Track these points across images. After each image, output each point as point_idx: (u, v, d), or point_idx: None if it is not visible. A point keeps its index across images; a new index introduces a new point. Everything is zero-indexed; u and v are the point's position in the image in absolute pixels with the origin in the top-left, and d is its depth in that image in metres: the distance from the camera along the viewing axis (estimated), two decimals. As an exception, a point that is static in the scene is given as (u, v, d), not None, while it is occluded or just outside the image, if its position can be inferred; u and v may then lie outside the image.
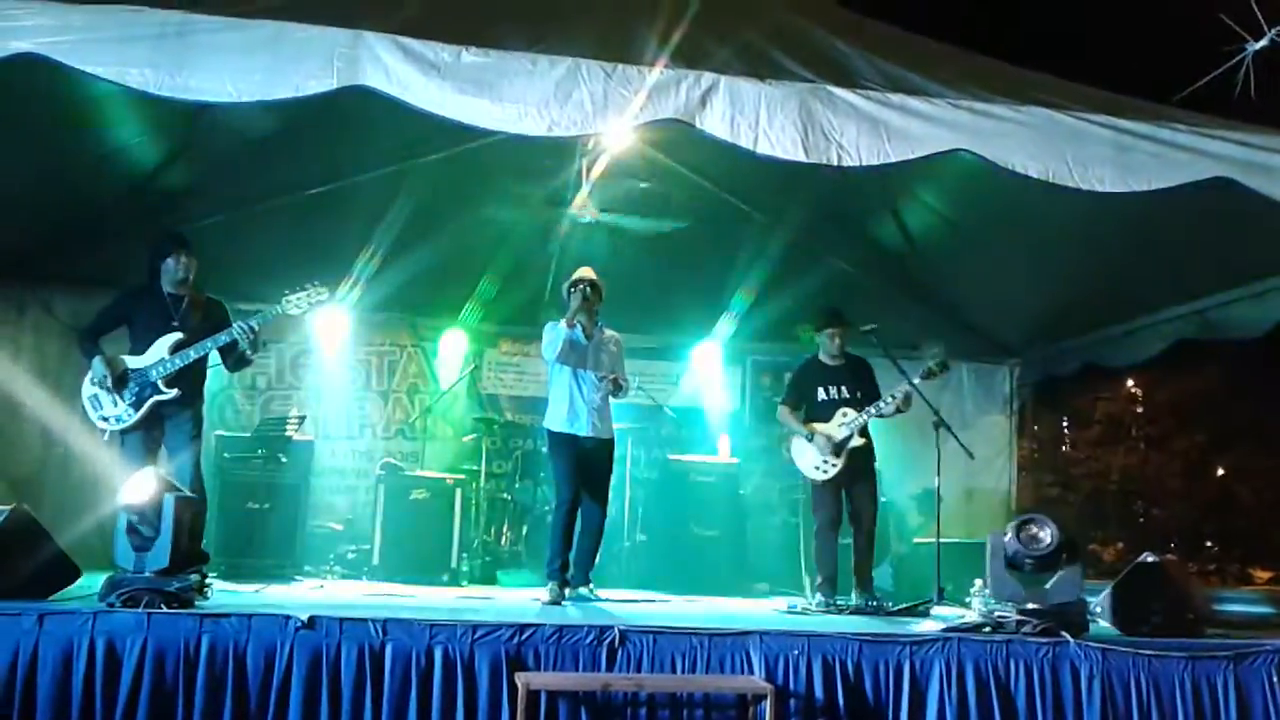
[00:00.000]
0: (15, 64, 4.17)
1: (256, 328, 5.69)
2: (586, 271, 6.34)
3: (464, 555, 7.51)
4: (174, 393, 5.68)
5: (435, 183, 7.07)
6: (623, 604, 6.18)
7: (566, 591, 6.04)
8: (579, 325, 6.23)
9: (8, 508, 4.75)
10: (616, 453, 8.21)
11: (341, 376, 8.71)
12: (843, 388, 6.64)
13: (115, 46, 4.23)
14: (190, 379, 5.80)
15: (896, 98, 4.61)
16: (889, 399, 6.49)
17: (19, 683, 3.97)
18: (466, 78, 4.36)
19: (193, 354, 5.69)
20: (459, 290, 8.41)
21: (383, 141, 6.62)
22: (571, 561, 6.24)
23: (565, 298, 6.32)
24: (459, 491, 7.61)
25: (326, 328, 8.50)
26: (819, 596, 6.38)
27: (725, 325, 8.66)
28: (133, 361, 5.74)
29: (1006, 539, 5.01)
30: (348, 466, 8.43)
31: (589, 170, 6.76)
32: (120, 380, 5.68)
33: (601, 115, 4.44)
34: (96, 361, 5.69)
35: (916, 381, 6.49)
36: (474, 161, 6.78)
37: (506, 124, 4.45)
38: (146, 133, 6.03)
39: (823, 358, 6.78)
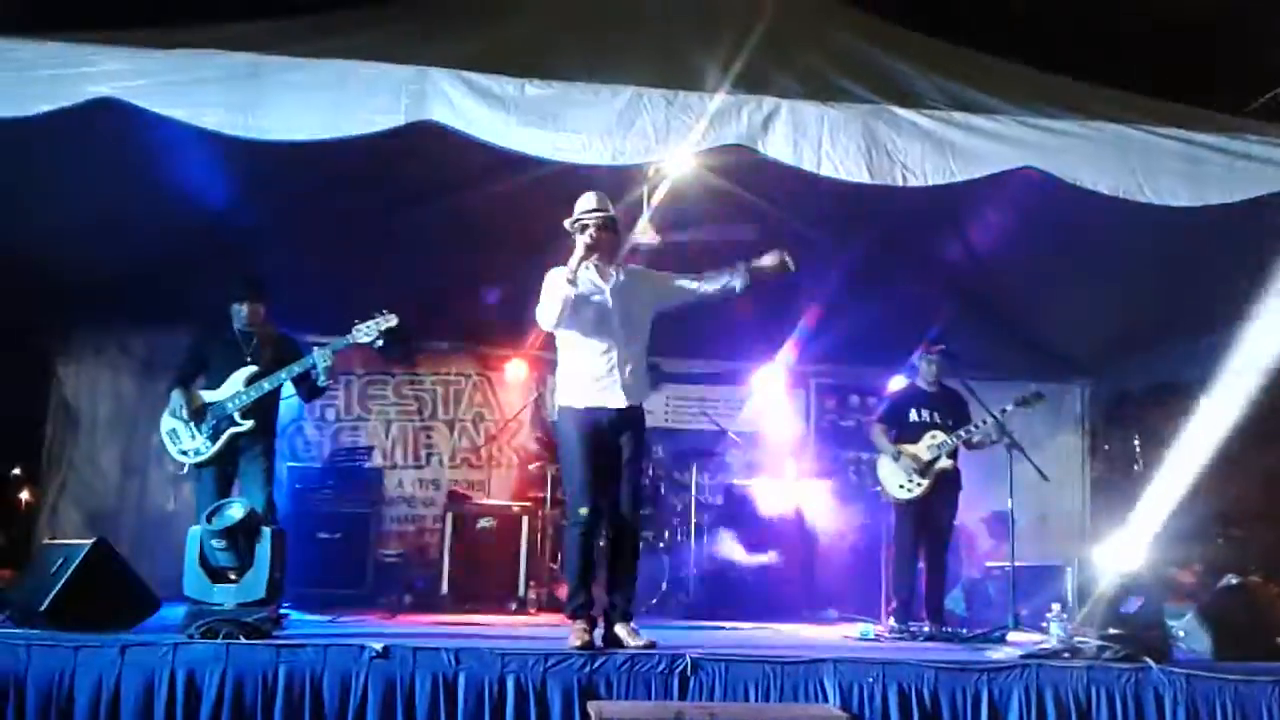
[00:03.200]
0: (93, 107, 4.31)
1: (329, 357, 5.80)
2: (590, 200, 4.92)
3: (531, 583, 7.53)
4: (249, 424, 5.82)
5: (499, 213, 7.13)
6: (692, 631, 6.12)
7: (598, 634, 4.77)
8: (589, 278, 4.92)
9: (89, 541, 4.86)
10: (681, 477, 8.27)
11: (408, 406, 8.80)
12: (935, 413, 6.67)
13: (188, 89, 4.37)
14: (264, 412, 5.93)
15: (961, 116, 4.59)
16: (976, 425, 6.51)
17: (103, 713, 4.06)
18: (530, 110, 4.43)
19: (267, 385, 5.82)
20: (522, 319, 8.45)
21: (448, 174, 6.70)
22: (606, 589, 5.00)
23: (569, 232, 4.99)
24: (525, 519, 7.65)
25: (394, 359, 8.60)
26: (893, 622, 6.30)
27: (788, 349, 8.60)
28: (209, 396, 5.89)
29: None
30: (415, 495, 8.51)
31: (650, 196, 6.78)
32: (197, 414, 5.82)
33: (664, 142, 4.48)
34: (175, 394, 5.86)
35: (1009, 409, 6.53)
36: (538, 192, 6.83)
37: (570, 154, 4.51)
38: (218, 171, 6.17)
39: (919, 382, 6.84)
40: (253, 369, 5.88)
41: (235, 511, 5.03)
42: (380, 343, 5.80)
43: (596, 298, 4.96)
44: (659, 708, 4.23)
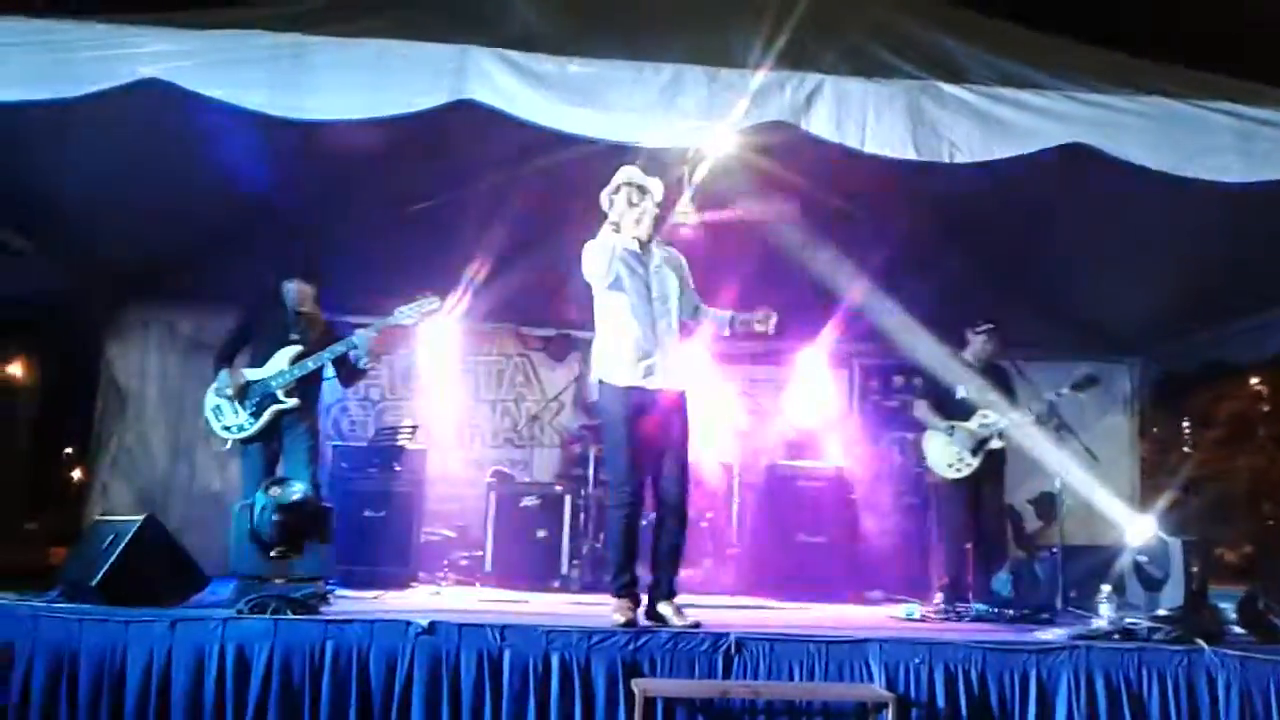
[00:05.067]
0: (138, 89, 4.34)
1: (370, 339, 5.86)
2: (631, 171, 4.96)
3: (574, 562, 7.56)
4: (293, 402, 5.91)
5: (539, 193, 7.12)
6: (736, 610, 6.12)
7: (641, 612, 4.82)
8: (631, 251, 4.92)
9: (139, 518, 4.94)
10: (721, 455, 8.24)
11: (451, 386, 8.84)
12: (983, 391, 6.59)
13: (232, 69, 4.40)
14: (307, 391, 6.01)
15: (1008, 92, 4.51)
16: (1030, 408, 6.45)
17: (154, 686, 4.14)
18: (572, 88, 4.41)
19: (310, 364, 5.93)
20: (562, 298, 8.46)
21: (489, 153, 6.70)
22: (650, 567, 5.02)
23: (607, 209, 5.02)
24: (568, 498, 7.68)
25: (436, 339, 8.65)
26: (939, 602, 6.25)
27: (831, 328, 8.53)
28: (253, 373, 5.98)
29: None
30: (459, 475, 8.54)
31: (690, 175, 6.74)
32: (242, 391, 5.91)
33: (706, 120, 4.45)
34: (222, 373, 5.95)
35: (1065, 392, 6.47)
36: (577, 171, 6.82)
37: (613, 133, 4.49)
38: (262, 151, 6.21)
39: (967, 356, 6.75)
40: (297, 348, 5.97)
41: (296, 490, 5.09)
42: (421, 324, 5.89)
43: (639, 270, 4.97)
44: (704, 686, 4.24)
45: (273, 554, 4.93)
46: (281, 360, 5.98)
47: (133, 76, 4.32)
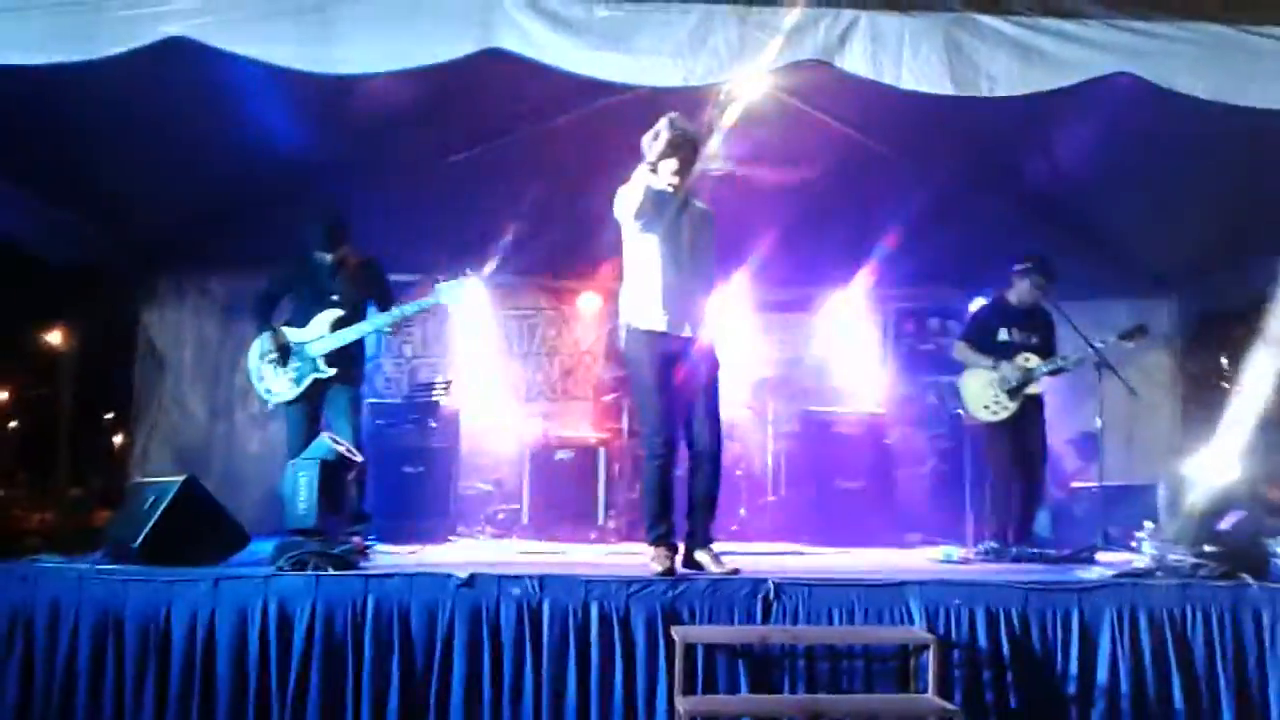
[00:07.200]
0: (165, 47, 4.28)
1: (410, 313, 5.96)
2: (675, 117, 4.80)
3: (610, 513, 7.58)
4: (333, 371, 5.93)
5: (570, 145, 7.06)
6: (773, 556, 6.11)
7: (678, 560, 4.79)
8: (665, 194, 4.82)
9: (179, 479, 4.97)
10: (757, 405, 8.20)
11: (484, 342, 8.83)
12: (1026, 334, 6.51)
13: (258, 25, 4.32)
14: (348, 356, 6.01)
15: (1049, 21, 4.35)
16: (1074, 356, 6.37)
17: (199, 644, 4.19)
18: (600, 33, 4.32)
19: (351, 334, 5.91)
20: (592, 252, 8.41)
21: (518, 105, 6.64)
22: (686, 516, 4.99)
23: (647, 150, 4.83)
24: (602, 451, 7.70)
25: (469, 294, 8.62)
26: (987, 543, 6.20)
27: (866, 273, 8.44)
28: (294, 335, 6.00)
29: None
30: (494, 429, 8.56)
31: (720, 119, 6.65)
32: (284, 352, 5.93)
33: (738, 60, 4.34)
34: (265, 336, 5.98)
35: (1112, 340, 6.36)
36: (607, 121, 6.75)
37: (642, 77, 4.41)
38: (291, 109, 6.19)
39: (1011, 298, 6.63)
40: (339, 313, 5.97)
41: (324, 448, 5.12)
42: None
43: (672, 215, 4.91)
44: (743, 632, 4.25)
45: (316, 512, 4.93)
46: (323, 324, 5.99)
47: (157, 36, 4.27)
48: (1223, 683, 4.29)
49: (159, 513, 4.72)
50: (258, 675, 4.18)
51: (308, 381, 5.94)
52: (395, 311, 5.96)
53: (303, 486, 4.88)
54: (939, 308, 8.94)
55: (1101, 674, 4.27)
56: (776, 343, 8.97)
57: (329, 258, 6.04)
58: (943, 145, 7.04)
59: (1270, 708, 4.28)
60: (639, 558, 5.00)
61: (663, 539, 4.81)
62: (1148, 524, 4.97)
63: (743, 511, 7.81)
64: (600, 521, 7.53)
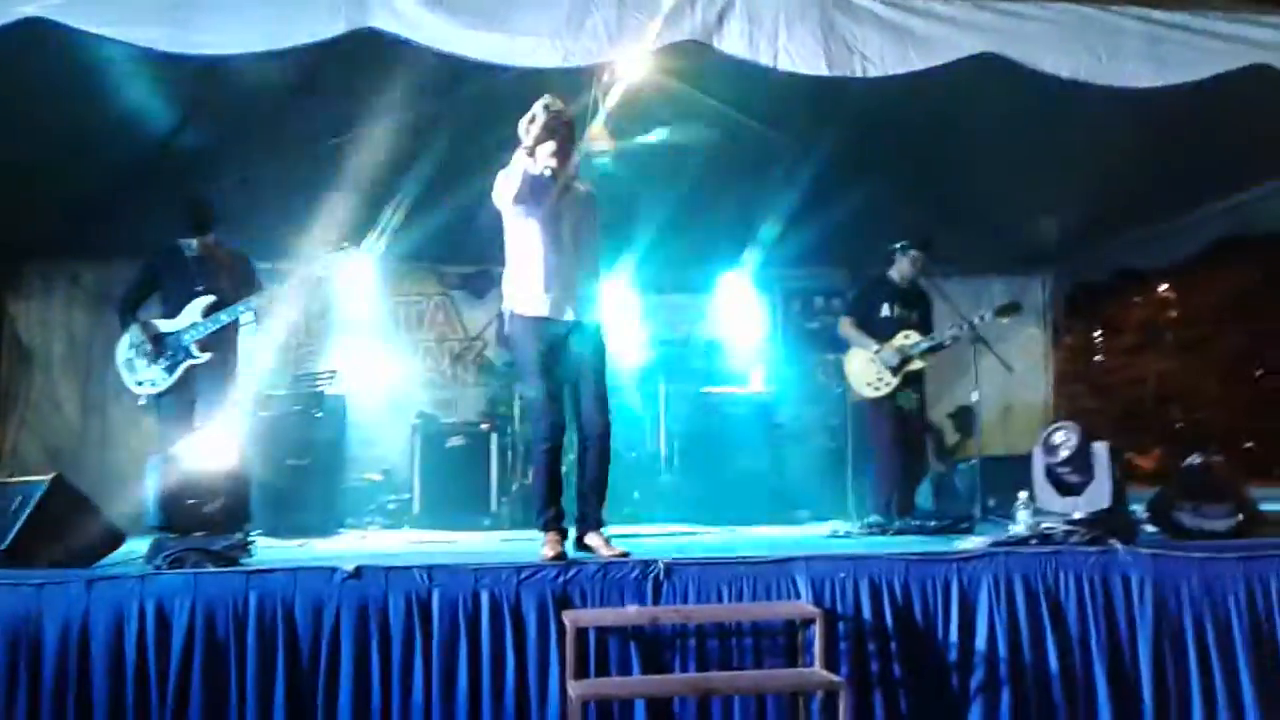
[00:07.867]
0: (22, 31, 4.07)
1: (267, 300, 5.91)
2: (551, 99, 4.56)
3: (503, 499, 7.53)
4: (207, 356, 5.76)
5: (451, 127, 6.95)
6: (665, 538, 6.15)
7: (569, 545, 4.79)
8: (544, 178, 4.69)
9: (47, 478, 4.76)
10: (648, 387, 8.23)
11: (370, 329, 8.71)
12: (908, 310, 6.68)
13: (120, 5, 4.15)
14: (222, 338, 5.85)
15: (920, 3, 4.44)
16: (953, 332, 6.54)
17: (72, 649, 4.01)
18: (476, 12, 4.26)
19: (224, 318, 5.77)
20: (480, 235, 8.32)
21: (397, 87, 6.51)
22: (576, 500, 4.95)
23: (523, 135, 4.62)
24: (494, 437, 7.65)
25: (352, 281, 8.46)
26: (872, 517, 6.34)
27: (753, 253, 8.53)
28: (165, 325, 5.83)
29: (1036, 452, 5.00)
30: (383, 418, 8.43)
31: (603, 100, 6.62)
32: (155, 342, 5.76)
33: (616, 41, 4.32)
34: (133, 327, 5.79)
35: (988, 317, 6.53)
36: (488, 102, 6.66)
37: (520, 57, 4.34)
38: (158, 95, 5.96)
39: (893, 275, 6.78)
40: (210, 299, 5.82)
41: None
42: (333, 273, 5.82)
43: (551, 199, 4.80)
44: (633, 613, 4.25)
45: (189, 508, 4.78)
46: (195, 311, 5.83)
47: (13, 17, 4.06)
48: (1095, 643, 4.46)
49: (27, 513, 4.51)
50: (136, 679, 4.01)
51: (181, 369, 5.76)
52: (273, 289, 5.82)
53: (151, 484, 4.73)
54: (824, 286, 9.11)
55: (980, 640, 4.40)
56: (666, 323, 9.01)
57: (195, 244, 5.88)
58: (826, 125, 7.13)
59: (1140, 665, 4.47)
60: (532, 544, 4.97)
61: (552, 524, 4.79)
62: (1022, 494, 5.13)
63: (636, 494, 7.83)
64: (493, 509, 7.48)
